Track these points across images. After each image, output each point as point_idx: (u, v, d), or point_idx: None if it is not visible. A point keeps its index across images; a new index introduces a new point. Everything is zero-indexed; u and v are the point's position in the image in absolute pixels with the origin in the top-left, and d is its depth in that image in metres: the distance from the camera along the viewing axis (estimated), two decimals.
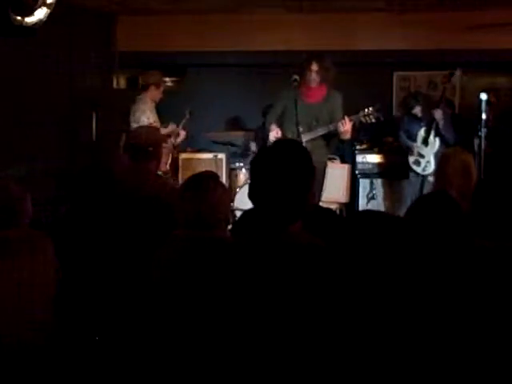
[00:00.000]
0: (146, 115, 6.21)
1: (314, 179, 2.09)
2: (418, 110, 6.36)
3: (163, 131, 6.12)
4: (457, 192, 3.68)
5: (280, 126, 5.63)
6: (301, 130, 5.36)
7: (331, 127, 5.48)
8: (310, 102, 5.60)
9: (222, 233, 2.62)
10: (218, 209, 2.60)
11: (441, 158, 4.07)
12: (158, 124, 6.30)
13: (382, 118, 5.57)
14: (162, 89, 6.53)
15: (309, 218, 2.04)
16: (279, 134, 5.49)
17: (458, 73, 6.08)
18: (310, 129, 5.50)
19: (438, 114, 6.14)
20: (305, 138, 5.37)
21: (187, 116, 6.71)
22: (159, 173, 5.73)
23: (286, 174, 2.00)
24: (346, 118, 5.42)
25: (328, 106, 5.61)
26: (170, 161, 6.40)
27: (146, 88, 6.46)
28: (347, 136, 5.49)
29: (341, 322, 1.81)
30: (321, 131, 5.51)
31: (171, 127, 6.56)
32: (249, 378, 1.87)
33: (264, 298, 1.90)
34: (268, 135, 5.56)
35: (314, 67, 5.52)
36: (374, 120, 5.53)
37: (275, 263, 1.93)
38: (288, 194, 1.99)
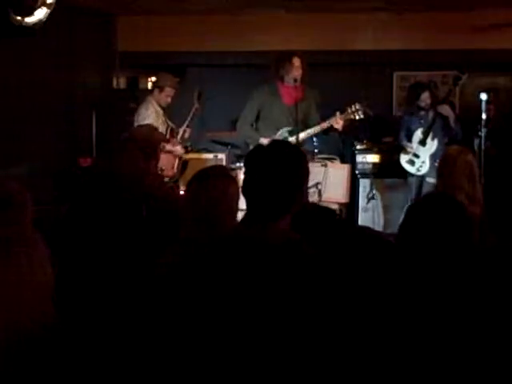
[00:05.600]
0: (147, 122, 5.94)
1: (306, 181, 2.12)
2: (425, 96, 6.21)
3: (169, 148, 5.92)
4: (464, 194, 3.67)
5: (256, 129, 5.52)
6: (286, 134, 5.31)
7: (325, 125, 5.34)
8: (286, 103, 5.42)
9: (226, 228, 2.58)
10: (225, 202, 2.56)
11: (445, 159, 3.97)
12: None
13: (371, 113, 5.47)
14: (166, 93, 6.08)
15: (306, 217, 2.04)
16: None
17: (464, 77, 6.01)
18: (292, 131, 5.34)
19: (445, 110, 6.03)
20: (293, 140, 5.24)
21: (196, 104, 6.29)
22: (166, 179, 5.68)
23: (275, 169, 2.01)
24: (338, 115, 5.29)
25: (303, 106, 5.41)
26: (176, 163, 6.22)
27: (151, 90, 6.26)
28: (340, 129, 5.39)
29: (319, 322, 1.82)
30: (313, 131, 5.37)
31: (171, 146, 6.09)
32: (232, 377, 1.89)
33: (240, 297, 1.92)
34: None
35: (296, 62, 5.32)
36: (362, 116, 5.37)
37: (251, 262, 1.95)
38: (274, 189, 2.00)
